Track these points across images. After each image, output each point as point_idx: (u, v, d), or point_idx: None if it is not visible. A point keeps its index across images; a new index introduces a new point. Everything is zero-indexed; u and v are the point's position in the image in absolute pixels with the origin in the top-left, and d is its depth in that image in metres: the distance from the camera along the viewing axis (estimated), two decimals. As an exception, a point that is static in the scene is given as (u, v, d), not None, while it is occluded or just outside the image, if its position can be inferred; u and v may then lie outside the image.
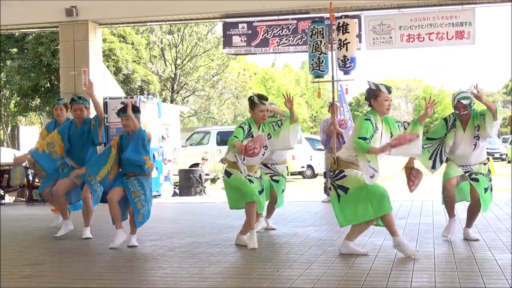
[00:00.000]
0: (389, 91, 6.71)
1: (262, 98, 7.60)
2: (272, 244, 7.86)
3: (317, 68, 12.98)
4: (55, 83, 25.92)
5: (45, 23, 15.54)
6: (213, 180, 21.30)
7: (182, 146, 27.76)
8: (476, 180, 7.32)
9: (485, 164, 7.48)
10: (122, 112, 7.87)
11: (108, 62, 26.15)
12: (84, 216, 8.59)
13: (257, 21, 14.56)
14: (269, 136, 7.66)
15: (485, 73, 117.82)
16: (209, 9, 14.36)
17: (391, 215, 6.67)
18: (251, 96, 7.67)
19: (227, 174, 7.56)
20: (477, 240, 7.44)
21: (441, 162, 7.57)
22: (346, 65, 12.74)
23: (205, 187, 18.27)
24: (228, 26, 14.73)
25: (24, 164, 15.56)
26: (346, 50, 12.79)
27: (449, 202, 7.55)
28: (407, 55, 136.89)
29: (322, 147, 15.47)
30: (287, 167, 9.05)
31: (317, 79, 13.52)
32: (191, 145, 27.54)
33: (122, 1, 14.47)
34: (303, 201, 13.61)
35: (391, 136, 6.70)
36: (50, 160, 8.54)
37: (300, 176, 28.26)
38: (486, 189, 7.33)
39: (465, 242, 7.37)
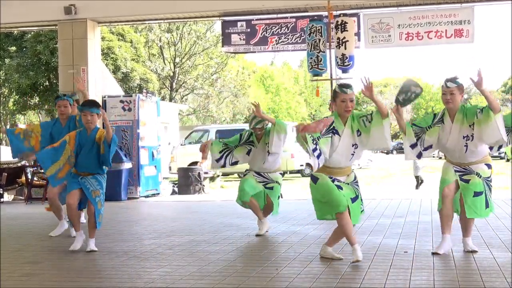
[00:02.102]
0: (446, 85, 6.56)
1: (343, 86, 6.41)
2: (270, 242, 7.87)
3: (316, 66, 13.01)
4: (54, 81, 25.90)
5: (44, 22, 15.53)
6: (212, 179, 21.29)
7: (181, 145, 27.78)
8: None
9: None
10: (88, 106, 7.41)
11: (107, 60, 26.15)
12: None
13: (256, 20, 14.56)
14: (358, 133, 6.37)
15: (484, 71, 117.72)
16: (208, 8, 14.36)
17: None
18: (335, 87, 6.63)
19: (313, 179, 6.45)
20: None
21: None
22: (344, 63, 12.76)
23: (204, 185, 18.27)
24: (227, 25, 14.72)
25: (24, 163, 15.61)
26: (345, 48, 12.82)
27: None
28: (406, 54, 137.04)
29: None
30: (281, 173, 8.71)
31: (315, 78, 13.55)
32: (190, 143, 27.55)
33: (121, 0, 14.46)
34: (302, 200, 13.61)
35: (473, 127, 6.46)
36: (19, 144, 8.53)
37: (299, 174, 28.27)
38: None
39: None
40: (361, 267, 6.05)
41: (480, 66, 6.67)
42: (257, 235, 8.28)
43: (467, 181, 6.58)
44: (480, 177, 6.58)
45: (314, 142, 6.08)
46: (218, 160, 8.46)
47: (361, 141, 6.36)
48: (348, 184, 6.39)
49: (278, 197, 8.55)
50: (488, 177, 6.66)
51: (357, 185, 6.49)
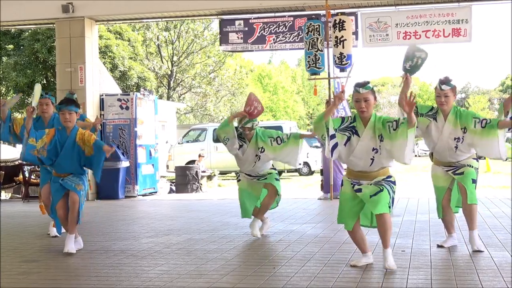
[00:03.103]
0: (440, 88, 6.62)
1: (357, 84, 5.93)
2: (268, 241, 7.86)
3: (314, 65, 13.01)
4: (51, 79, 25.87)
5: (42, 20, 15.51)
6: (210, 177, 21.30)
7: (179, 143, 27.78)
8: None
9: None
10: (65, 104, 7.22)
11: (105, 58, 26.12)
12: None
13: (254, 18, 14.57)
14: (381, 138, 5.86)
15: (481, 70, 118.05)
16: (206, 6, 14.36)
17: None
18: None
19: (341, 182, 6.26)
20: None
21: None
22: (342, 62, 12.75)
23: (201, 184, 18.29)
24: (225, 23, 14.72)
25: (20, 162, 15.59)
26: (343, 47, 12.82)
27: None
28: (404, 53, 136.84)
29: (318, 144, 15.50)
30: (273, 168, 8.36)
31: (313, 76, 13.56)
32: (187, 142, 27.56)
33: (118, -2, 14.49)
34: (300, 198, 13.62)
35: (465, 131, 6.56)
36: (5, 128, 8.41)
37: (297, 173, 28.29)
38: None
39: (461, 239, 7.36)
40: (359, 266, 6.04)
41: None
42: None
43: (462, 173, 6.74)
44: (472, 167, 6.75)
45: (333, 133, 5.91)
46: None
47: (384, 147, 5.86)
48: (371, 184, 5.96)
49: (277, 179, 8.16)
50: (477, 168, 6.86)
51: (386, 183, 5.92)
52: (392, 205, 6.00)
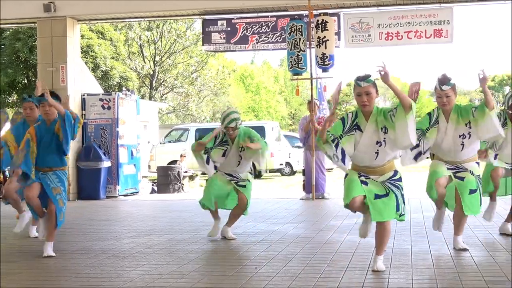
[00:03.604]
0: (440, 88, 6.51)
1: (358, 78, 5.79)
2: (249, 241, 7.86)
3: (296, 65, 13.04)
4: (33, 79, 25.74)
5: (23, 19, 15.41)
6: (191, 177, 21.25)
7: (161, 143, 27.71)
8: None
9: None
10: (41, 98, 7.16)
11: (86, 58, 26.03)
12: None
13: (237, 18, 14.56)
14: (385, 130, 5.73)
15: (462, 71, 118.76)
16: (188, 6, 14.34)
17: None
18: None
19: (345, 175, 6.02)
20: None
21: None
22: (325, 62, 12.79)
23: (183, 184, 18.25)
24: (208, 23, 14.71)
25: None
26: (325, 47, 12.86)
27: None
28: (386, 53, 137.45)
29: (300, 144, 15.52)
30: (250, 172, 8.26)
31: (295, 77, 13.59)
32: (169, 142, 27.50)
33: (100, -3, 14.43)
34: (282, 199, 13.63)
35: (470, 125, 6.48)
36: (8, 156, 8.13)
37: (279, 174, 28.30)
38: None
39: (442, 239, 7.40)
40: (340, 266, 6.06)
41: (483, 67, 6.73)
42: (208, 236, 8.15)
43: (461, 179, 6.64)
44: (473, 175, 6.65)
45: (335, 143, 5.76)
46: (207, 162, 8.16)
47: (389, 139, 5.72)
48: (377, 181, 5.84)
49: (249, 196, 8.09)
50: (479, 175, 6.76)
51: (392, 184, 5.82)
52: (404, 204, 5.87)
